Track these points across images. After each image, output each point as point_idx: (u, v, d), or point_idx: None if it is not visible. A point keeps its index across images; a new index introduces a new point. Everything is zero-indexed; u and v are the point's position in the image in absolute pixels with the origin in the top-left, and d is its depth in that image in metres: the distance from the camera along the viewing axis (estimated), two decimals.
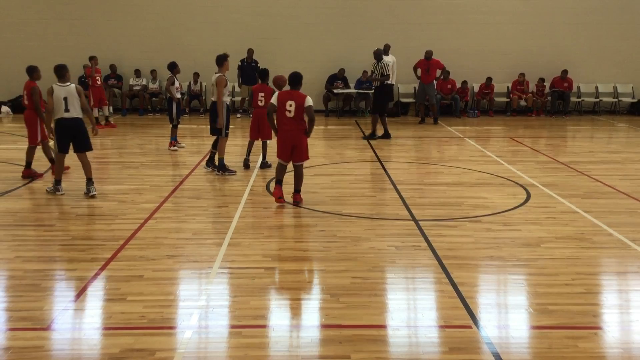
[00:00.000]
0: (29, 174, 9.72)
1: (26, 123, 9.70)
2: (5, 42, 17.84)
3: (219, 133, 9.98)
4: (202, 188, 9.26)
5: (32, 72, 9.59)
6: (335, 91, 17.71)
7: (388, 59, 15.80)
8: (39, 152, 9.87)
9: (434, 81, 16.64)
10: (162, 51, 17.78)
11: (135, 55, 17.91)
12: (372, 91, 15.17)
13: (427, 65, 16.42)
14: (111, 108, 17.48)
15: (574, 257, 6.33)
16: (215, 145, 10.23)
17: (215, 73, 9.92)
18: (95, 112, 15.23)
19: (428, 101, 16.65)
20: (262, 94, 10.27)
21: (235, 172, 10.09)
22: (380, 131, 14.01)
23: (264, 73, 10.54)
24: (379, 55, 13.93)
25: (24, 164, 9.84)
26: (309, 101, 8.01)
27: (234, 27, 17.93)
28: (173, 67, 12.06)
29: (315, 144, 13.01)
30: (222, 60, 9.92)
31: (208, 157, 10.53)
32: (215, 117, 9.92)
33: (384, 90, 14.00)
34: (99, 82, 15.44)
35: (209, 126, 10.29)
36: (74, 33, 17.98)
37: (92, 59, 15.40)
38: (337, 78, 17.97)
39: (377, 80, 13.92)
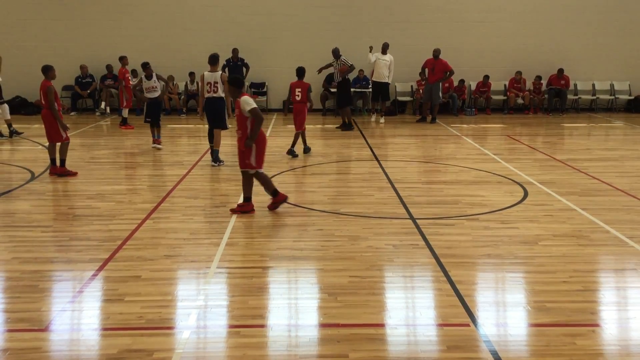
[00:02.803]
0: (62, 172, 9.73)
1: (44, 122, 9.77)
2: (1, 42, 17.78)
3: (223, 126, 10.64)
4: (200, 188, 9.25)
5: (47, 71, 9.70)
6: (332, 90, 17.68)
7: (385, 58, 15.88)
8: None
9: (440, 82, 16.50)
10: (158, 51, 17.76)
11: (132, 55, 17.80)
12: (364, 88, 15.58)
13: (434, 64, 16.37)
14: (108, 108, 17.45)
15: (572, 255, 6.34)
16: (210, 140, 10.79)
17: (210, 71, 10.46)
18: (126, 112, 15.30)
19: (432, 101, 16.54)
20: (299, 89, 11.48)
21: (223, 162, 10.70)
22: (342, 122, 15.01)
23: (302, 71, 11.62)
24: (336, 53, 14.86)
25: (21, 165, 9.83)
26: None
27: (231, 27, 17.89)
28: (144, 67, 12.34)
29: (313, 143, 13.01)
30: (218, 59, 10.69)
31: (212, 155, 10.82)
32: (218, 113, 10.49)
33: (346, 84, 14.93)
34: (131, 83, 15.66)
35: (207, 121, 10.72)
36: (70, 33, 17.93)
37: (122, 59, 15.36)
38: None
39: (340, 76, 14.82)
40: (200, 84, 10.78)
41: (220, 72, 10.53)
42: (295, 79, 11.61)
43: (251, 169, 7.64)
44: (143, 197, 8.60)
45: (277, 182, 9.29)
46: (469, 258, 6.26)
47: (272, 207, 7.90)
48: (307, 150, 11.75)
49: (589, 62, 18.59)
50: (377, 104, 16.72)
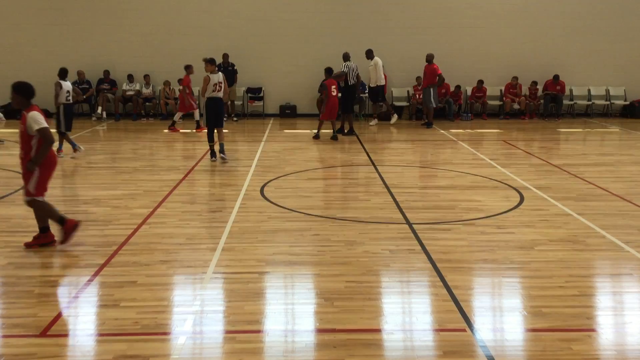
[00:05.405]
0: None
1: None
2: None
3: (222, 124, 11.46)
4: (196, 193, 9.24)
5: None
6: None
7: (370, 63, 16.00)
8: None
9: (431, 86, 16.52)
10: (155, 56, 17.78)
11: (129, 61, 17.88)
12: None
13: (425, 69, 16.47)
14: (104, 113, 17.40)
15: (568, 260, 6.35)
16: (212, 138, 11.32)
17: (213, 73, 11.19)
18: (178, 116, 15.65)
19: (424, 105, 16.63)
20: (334, 86, 13.95)
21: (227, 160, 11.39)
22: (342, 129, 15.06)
23: (330, 70, 14.15)
24: (345, 57, 15.10)
25: (16, 170, 9.80)
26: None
27: (227, 32, 17.91)
28: (63, 74, 11.90)
29: (309, 148, 13.03)
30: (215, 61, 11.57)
31: (218, 150, 11.44)
32: (222, 111, 11.47)
33: (352, 90, 15.09)
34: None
35: (209, 120, 11.38)
36: (67, 38, 17.92)
37: (188, 67, 15.34)
38: None
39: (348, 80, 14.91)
40: (203, 85, 11.18)
41: (220, 73, 11.31)
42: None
43: (28, 196, 6.43)
44: (139, 202, 8.58)
45: (272, 187, 9.32)
46: (465, 263, 6.26)
47: (31, 243, 6.60)
48: (318, 136, 14.05)
49: (584, 67, 18.66)
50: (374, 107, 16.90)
